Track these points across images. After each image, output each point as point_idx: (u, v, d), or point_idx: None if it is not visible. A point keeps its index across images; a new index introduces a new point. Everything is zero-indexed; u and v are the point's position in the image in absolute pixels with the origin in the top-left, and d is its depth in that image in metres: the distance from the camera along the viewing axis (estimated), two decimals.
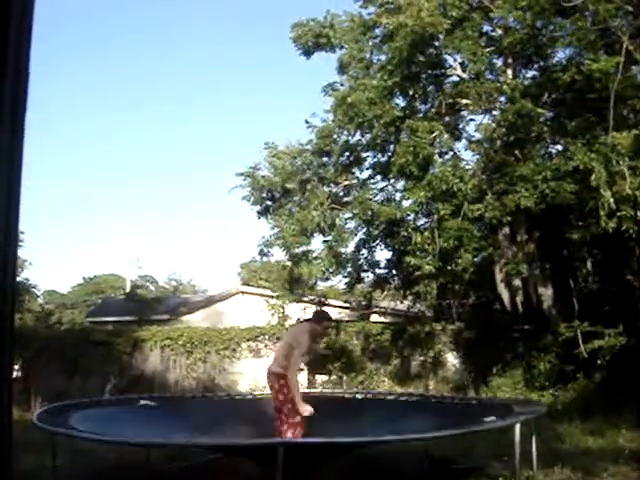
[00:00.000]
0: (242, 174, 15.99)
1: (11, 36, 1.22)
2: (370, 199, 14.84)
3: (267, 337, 17.10)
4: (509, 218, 12.82)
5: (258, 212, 16.23)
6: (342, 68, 15.43)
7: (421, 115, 14.47)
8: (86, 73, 59.97)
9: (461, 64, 14.12)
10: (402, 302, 17.31)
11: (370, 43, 15.18)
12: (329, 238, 15.08)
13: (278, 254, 16.84)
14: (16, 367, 14.53)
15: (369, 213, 14.13)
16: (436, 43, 13.61)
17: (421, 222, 14.44)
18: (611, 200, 11.03)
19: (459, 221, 12.80)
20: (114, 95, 61.74)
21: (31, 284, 24.01)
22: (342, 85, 15.44)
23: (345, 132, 15.27)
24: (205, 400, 10.24)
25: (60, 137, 58.35)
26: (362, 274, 16.05)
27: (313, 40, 15.45)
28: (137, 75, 60.30)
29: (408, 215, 14.07)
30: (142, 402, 8.19)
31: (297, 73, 60.92)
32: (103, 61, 58.44)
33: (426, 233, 13.25)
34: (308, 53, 15.73)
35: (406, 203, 14.26)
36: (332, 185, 15.75)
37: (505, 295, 14.13)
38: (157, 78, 60.98)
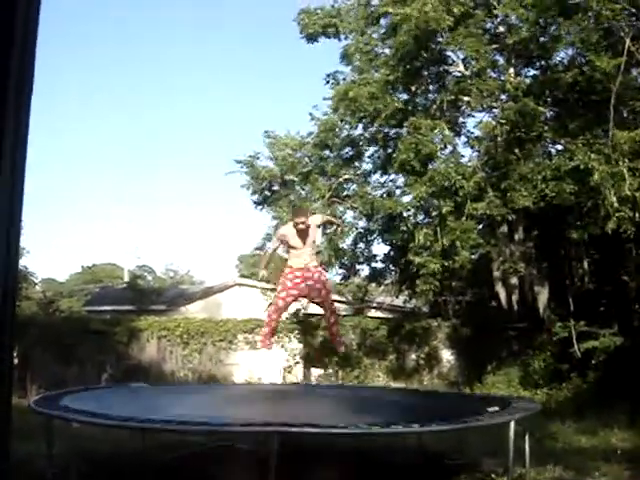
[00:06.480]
0: (240, 162, 15.96)
1: (17, 35, 1.24)
2: (369, 193, 14.85)
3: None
4: (514, 216, 12.85)
5: (255, 202, 16.22)
6: (346, 57, 15.34)
7: (421, 110, 14.44)
8: (89, 62, 59.74)
9: (463, 61, 14.10)
10: (397, 297, 17.35)
11: (375, 35, 15.15)
12: (329, 231, 15.09)
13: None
14: (13, 354, 14.53)
15: (369, 207, 14.14)
16: (439, 39, 13.60)
17: (421, 218, 14.45)
18: (614, 199, 11.07)
19: (463, 220, 12.81)
20: (111, 82, 61.40)
21: (29, 272, 23.95)
22: (344, 79, 15.39)
23: (347, 126, 15.25)
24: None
25: (58, 124, 58.16)
26: (358, 267, 16.08)
27: (320, 29, 15.35)
28: (137, 65, 60.05)
29: (408, 210, 14.07)
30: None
31: (296, 61, 60.53)
32: (104, 51, 58.16)
33: (426, 230, 13.24)
34: (312, 39, 15.63)
35: (406, 198, 14.29)
36: (333, 179, 15.74)
37: (502, 293, 14.16)
38: (156, 69, 60.72)
